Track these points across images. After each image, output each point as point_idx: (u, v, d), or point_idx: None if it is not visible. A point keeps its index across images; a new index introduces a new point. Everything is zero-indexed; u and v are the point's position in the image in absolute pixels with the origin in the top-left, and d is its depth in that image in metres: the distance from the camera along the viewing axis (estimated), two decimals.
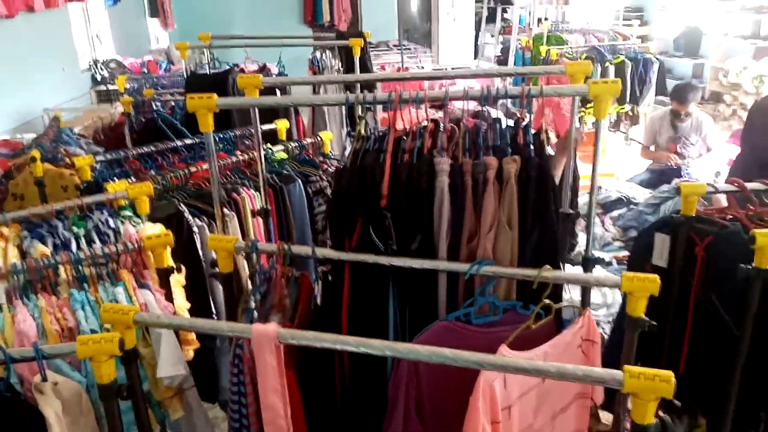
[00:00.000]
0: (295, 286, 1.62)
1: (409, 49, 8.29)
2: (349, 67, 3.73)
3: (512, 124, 1.54)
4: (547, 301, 1.37)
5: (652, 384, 0.96)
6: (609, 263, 2.97)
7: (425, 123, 1.55)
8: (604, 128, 5.45)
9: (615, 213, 3.94)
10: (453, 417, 1.35)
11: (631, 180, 4.63)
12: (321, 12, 9.32)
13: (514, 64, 6.78)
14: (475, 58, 9.02)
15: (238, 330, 1.22)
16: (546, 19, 8.28)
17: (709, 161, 4.77)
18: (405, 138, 1.54)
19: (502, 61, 8.60)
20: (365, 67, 3.67)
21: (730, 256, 1.59)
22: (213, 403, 2.23)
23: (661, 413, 2.30)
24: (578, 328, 1.46)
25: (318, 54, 3.76)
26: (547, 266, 1.37)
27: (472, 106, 5.33)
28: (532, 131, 1.53)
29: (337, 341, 1.13)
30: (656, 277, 1.26)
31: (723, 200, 2.43)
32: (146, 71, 6.65)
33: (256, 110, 1.84)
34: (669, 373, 0.95)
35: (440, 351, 1.07)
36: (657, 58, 5.51)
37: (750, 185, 1.77)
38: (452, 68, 5.88)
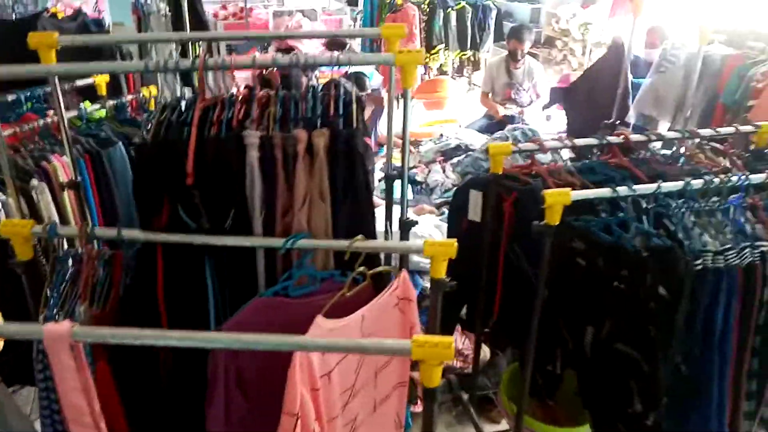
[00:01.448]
0: (108, 267, 1.54)
1: None
2: (178, 11, 3.45)
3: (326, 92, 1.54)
4: (361, 268, 1.44)
5: (435, 350, 1.04)
6: (443, 213, 3.14)
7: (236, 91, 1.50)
8: (447, 75, 5.65)
9: (454, 160, 4.14)
10: (277, 387, 1.39)
11: (470, 126, 4.87)
12: None
13: (364, 4, 6.74)
14: None
15: (27, 332, 1.13)
16: None
17: (540, 107, 5.14)
18: (215, 107, 1.48)
19: (351, 1, 8.50)
20: (195, 12, 3.43)
21: (531, 211, 1.75)
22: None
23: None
24: (394, 289, 1.54)
25: None
26: (360, 236, 1.41)
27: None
28: (353, 95, 1.53)
29: (138, 336, 1.09)
30: (453, 241, 1.35)
31: None
32: None
33: (56, 78, 1.65)
34: (450, 339, 1.04)
35: (242, 337, 1.08)
36: (495, 5, 5.75)
37: (549, 143, 1.93)
38: (297, 10, 5.69)
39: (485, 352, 2.63)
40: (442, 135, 4.48)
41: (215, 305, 1.47)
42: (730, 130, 2.05)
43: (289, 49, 5.54)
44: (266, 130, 1.43)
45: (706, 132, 2.01)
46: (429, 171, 4.13)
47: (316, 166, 1.39)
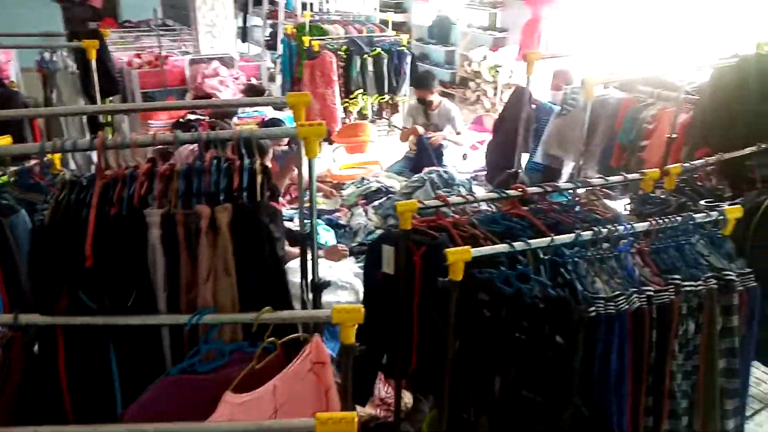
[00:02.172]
0: (6, 352, 1.48)
1: (174, 29, 7.79)
2: (85, 66, 3.38)
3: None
4: (270, 339, 1.45)
5: (338, 426, 1.07)
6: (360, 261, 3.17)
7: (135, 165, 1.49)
8: (367, 119, 5.78)
9: (376, 202, 4.22)
10: None
11: (390, 168, 4.99)
12: None
13: (282, 50, 6.81)
14: (244, 42, 8.84)
15: None
16: (311, 5, 8.41)
17: (458, 146, 5.33)
18: (116, 183, 1.47)
19: (270, 45, 8.57)
20: (105, 68, 3.38)
21: (439, 264, 1.82)
22: None
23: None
24: (306, 355, 1.55)
25: (47, 55, 3.35)
26: (267, 308, 1.43)
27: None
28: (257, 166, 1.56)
29: None
30: (360, 307, 1.39)
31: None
32: None
33: None
34: (352, 415, 1.08)
35: (144, 426, 1.07)
36: (409, 51, 5.96)
37: (453, 199, 2.02)
38: (215, 57, 5.69)
39: (408, 398, 2.66)
40: (363, 179, 4.57)
41: (121, 386, 1.44)
42: (619, 178, 2.22)
43: (208, 96, 5.53)
44: (169, 205, 1.44)
45: (598, 181, 2.17)
46: (352, 214, 4.19)
47: (219, 241, 1.40)
